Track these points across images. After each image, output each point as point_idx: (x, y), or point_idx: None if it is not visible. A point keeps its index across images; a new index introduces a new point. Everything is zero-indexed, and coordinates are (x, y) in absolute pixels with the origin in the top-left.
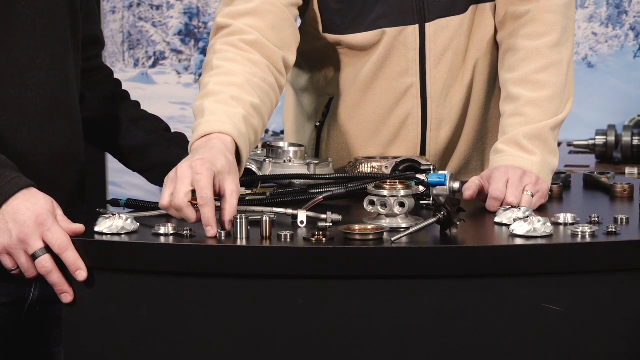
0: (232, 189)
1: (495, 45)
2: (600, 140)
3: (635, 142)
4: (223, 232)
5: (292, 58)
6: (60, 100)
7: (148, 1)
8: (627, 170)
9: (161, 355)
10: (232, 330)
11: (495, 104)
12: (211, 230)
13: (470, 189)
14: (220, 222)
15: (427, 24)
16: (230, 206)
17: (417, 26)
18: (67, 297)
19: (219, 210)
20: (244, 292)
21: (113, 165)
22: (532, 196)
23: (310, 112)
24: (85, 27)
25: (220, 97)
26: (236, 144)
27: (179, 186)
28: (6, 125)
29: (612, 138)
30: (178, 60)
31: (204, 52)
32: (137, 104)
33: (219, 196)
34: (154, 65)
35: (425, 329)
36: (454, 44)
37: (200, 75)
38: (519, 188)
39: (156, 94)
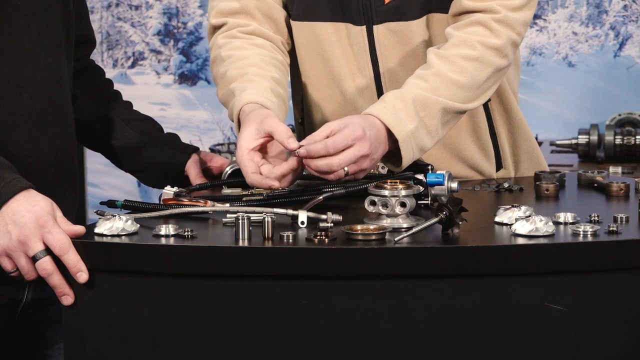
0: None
1: None
2: (583, 139)
3: (618, 141)
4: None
5: (289, 41)
6: (54, 101)
7: (127, 1)
8: (611, 169)
9: (163, 356)
10: (234, 331)
11: (465, 116)
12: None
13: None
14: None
15: (375, 27)
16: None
17: (364, 27)
18: (68, 299)
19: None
20: (246, 293)
21: (92, 166)
22: (346, 175)
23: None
24: (76, 26)
25: (245, 78)
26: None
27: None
28: (0, 126)
29: (594, 137)
30: (157, 60)
31: (183, 52)
32: (129, 104)
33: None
34: (132, 66)
35: (428, 329)
36: (409, 49)
37: (179, 75)
38: (351, 160)
39: (135, 94)
